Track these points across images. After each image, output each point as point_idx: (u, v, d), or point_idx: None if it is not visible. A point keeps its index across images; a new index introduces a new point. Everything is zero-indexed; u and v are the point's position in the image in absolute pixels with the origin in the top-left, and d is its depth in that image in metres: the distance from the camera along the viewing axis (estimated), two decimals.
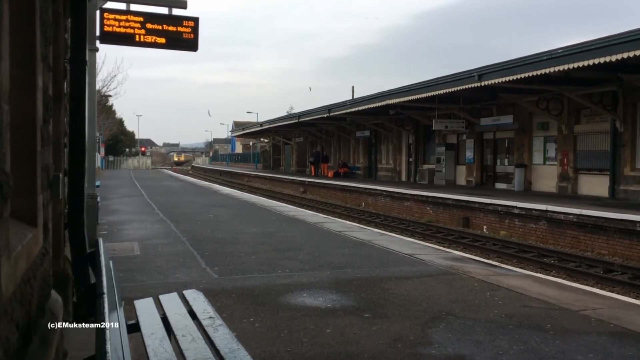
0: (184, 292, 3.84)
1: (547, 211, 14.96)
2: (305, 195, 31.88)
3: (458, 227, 17.94)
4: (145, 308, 3.55)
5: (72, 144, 4.42)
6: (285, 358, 4.54)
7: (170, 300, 3.70)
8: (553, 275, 10.26)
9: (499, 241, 15.21)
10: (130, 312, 3.64)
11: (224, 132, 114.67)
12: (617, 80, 17.32)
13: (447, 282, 7.33)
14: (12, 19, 2.20)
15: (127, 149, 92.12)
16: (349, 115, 31.51)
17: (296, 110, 59.34)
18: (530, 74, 15.98)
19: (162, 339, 2.88)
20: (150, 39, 9.56)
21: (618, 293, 9.04)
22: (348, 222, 15.47)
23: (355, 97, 42.04)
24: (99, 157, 38.79)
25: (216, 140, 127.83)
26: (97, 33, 9.43)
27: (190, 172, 73.53)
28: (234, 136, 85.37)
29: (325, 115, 31.83)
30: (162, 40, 9.63)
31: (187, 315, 3.31)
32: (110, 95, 39.93)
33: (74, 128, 4.41)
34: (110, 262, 4.00)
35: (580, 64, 14.19)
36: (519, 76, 16.55)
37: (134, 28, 9.50)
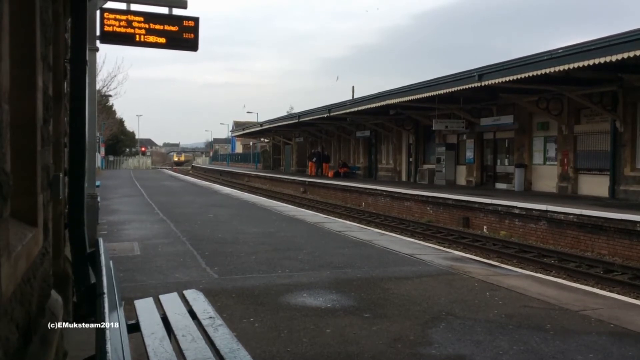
0: (184, 292, 3.84)
1: (547, 211, 14.95)
2: (306, 195, 31.87)
3: (458, 227, 17.94)
4: (145, 308, 3.55)
5: (72, 144, 4.42)
6: (285, 358, 4.54)
7: (170, 300, 3.70)
8: (553, 276, 10.26)
9: (499, 241, 15.21)
10: (130, 312, 3.64)
11: (224, 132, 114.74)
12: (617, 80, 17.31)
13: (447, 282, 7.33)
14: (12, 19, 2.20)
15: (127, 149, 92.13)
16: (349, 115, 31.50)
17: (296, 110, 59.39)
18: (531, 74, 15.98)
19: (162, 338, 2.88)
20: (150, 39, 9.56)
21: (618, 293, 9.04)
22: (348, 222, 15.47)
23: (355, 97, 42.03)
24: (99, 157, 38.78)
25: (216, 140, 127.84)
26: (97, 33, 9.42)
27: (191, 172, 73.52)
28: (234, 136, 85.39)
29: (325, 115, 31.82)
30: (163, 40, 9.62)
31: (187, 315, 3.31)
32: (110, 95, 39.95)
33: (74, 128, 4.40)
34: (110, 262, 4.00)
35: (581, 64, 14.19)
36: (519, 76, 16.55)
37: (134, 28, 9.49)
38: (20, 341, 2.13)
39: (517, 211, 16.06)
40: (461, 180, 27.09)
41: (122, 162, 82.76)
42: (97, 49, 9.85)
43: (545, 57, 15.66)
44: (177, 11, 9.82)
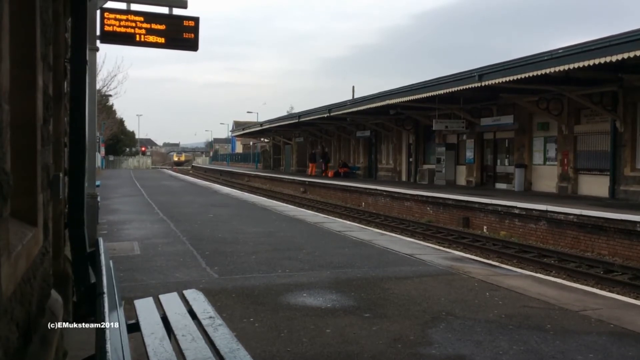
0: (184, 291, 3.84)
1: (547, 211, 14.95)
2: (306, 195, 31.87)
3: (458, 227, 17.94)
4: (145, 308, 3.55)
5: (72, 143, 4.42)
6: (285, 358, 4.54)
7: (170, 300, 3.70)
8: (553, 276, 10.26)
9: (499, 241, 15.21)
10: (130, 312, 3.64)
11: (224, 132, 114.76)
12: (617, 80, 17.31)
13: (447, 282, 7.33)
14: (12, 19, 2.20)
15: (127, 149, 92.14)
16: (349, 115, 31.50)
17: (296, 110, 59.40)
18: (531, 74, 15.98)
19: (162, 338, 2.88)
20: (150, 38, 9.56)
21: (618, 293, 9.04)
22: (348, 222, 15.47)
23: (355, 97, 42.04)
24: (99, 157, 38.79)
25: (216, 140, 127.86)
26: (98, 33, 9.42)
27: (191, 171, 73.53)
28: (234, 136, 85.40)
29: (325, 115, 31.82)
30: (163, 40, 9.62)
31: (187, 315, 3.31)
32: (110, 95, 39.93)
33: (74, 128, 4.41)
34: (110, 262, 4.00)
35: (581, 64, 14.19)
36: (519, 76, 16.55)
37: (134, 28, 9.50)
38: (20, 341, 2.13)
39: (517, 211, 16.06)
40: (461, 181, 27.09)
41: (122, 162, 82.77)
42: (97, 49, 9.85)
43: (546, 57, 15.66)
44: (177, 11, 9.82)
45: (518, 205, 16.04)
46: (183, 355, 2.59)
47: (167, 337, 2.95)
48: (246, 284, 7.08)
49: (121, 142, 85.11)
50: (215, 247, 9.87)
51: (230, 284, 7.05)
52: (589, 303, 6.40)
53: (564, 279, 10.05)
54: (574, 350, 4.76)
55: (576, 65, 14.35)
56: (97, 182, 14.29)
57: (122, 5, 9.72)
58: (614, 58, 13.18)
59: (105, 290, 2.96)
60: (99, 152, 41.01)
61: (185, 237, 11.03)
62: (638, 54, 12.59)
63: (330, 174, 38.47)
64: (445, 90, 20.49)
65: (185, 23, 9.72)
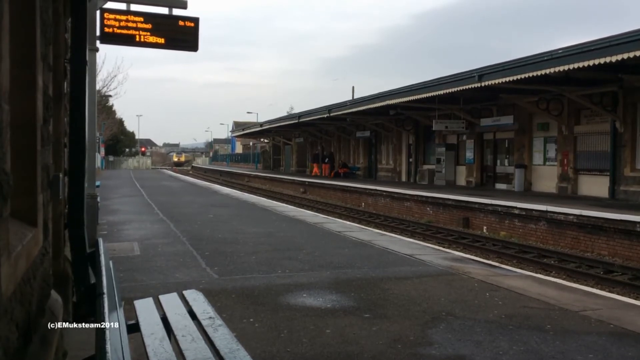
0: (184, 292, 3.84)
1: (547, 212, 14.95)
2: (306, 196, 31.87)
3: (458, 228, 17.94)
4: (145, 308, 3.55)
5: (72, 144, 4.42)
6: (285, 358, 4.54)
7: (170, 301, 3.70)
8: (553, 276, 10.26)
9: (498, 241, 15.21)
10: (130, 312, 3.64)
11: (224, 132, 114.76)
12: (617, 80, 17.32)
13: (447, 283, 7.33)
14: (12, 19, 2.20)
15: (127, 149, 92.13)
16: (349, 116, 31.51)
17: (296, 110, 59.41)
18: (531, 74, 15.99)
19: (162, 339, 2.88)
20: (150, 39, 9.56)
21: (618, 294, 9.04)
22: (348, 223, 15.47)
23: (355, 97, 42.05)
24: (99, 157, 38.78)
25: (216, 141, 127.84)
26: (97, 33, 9.42)
27: (190, 172, 73.53)
28: (234, 136, 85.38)
29: (325, 116, 31.83)
30: (162, 40, 9.62)
31: (187, 315, 3.31)
32: (110, 95, 39.91)
33: (74, 128, 4.40)
34: (110, 262, 4.00)
35: (581, 64, 14.20)
36: (519, 76, 16.55)
37: (134, 28, 9.50)
38: (20, 341, 2.13)
39: (517, 211, 16.06)
40: (461, 181, 27.10)
41: (122, 162, 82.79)
42: (97, 49, 9.85)
43: (546, 58, 15.66)
44: (177, 11, 9.82)
45: (518, 206, 16.04)
46: (183, 355, 2.59)
47: (167, 338, 2.95)
48: (246, 284, 7.08)
49: (121, 142, 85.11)
50: (215, 247, 9.87)
51: (230, 285, 7.05)
52: (588, 303, 6.40)
53: (563, 279, 10.05)
54: (574, 351, 4.76)
55: (576, 65, 14.35)
56: (97, 183, 14.30)
57: (122, 6, 9.72)
58: (613, 58, 13.19)
59: (105, 290, 2.96)
60: (99, 152, 40.99)
61: (185, 237, 11.03)
62: (638, 54, 12.59)
63: (330, 174, 38.49)
64: (445, 91, 20.49)
65: (185, 23, 9.72)
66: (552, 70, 15.24)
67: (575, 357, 4.63)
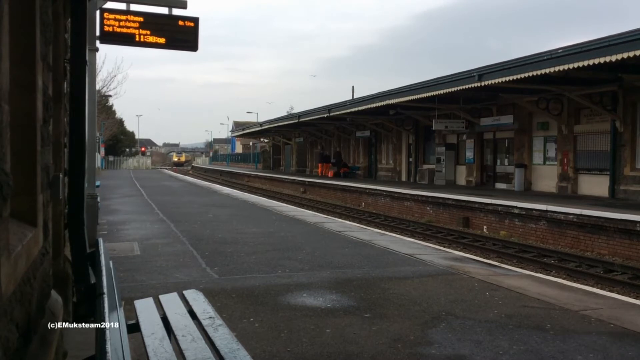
0: (184, 292, 3.84)
1: (547, 211, 14.95)
2: (306, 196, 31.87)
3: (458, 227, 17.94)
4: (145, 308, 3.55)
5: (72, 144, 4.42)
6: (285, 358, 4.54)
7: (170, 300, 3.70)
8: (553, 275, 10.26)
9: (499, 241, 15.21)
10: (130, 312, 3.65)
11: (224, 132, 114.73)
12: (617, 80, 17.31)
13: (447, 282, 7.33)
14: (12, 19, 2.20)
15: (127, 149, 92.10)
16: (349, 115, 31.50)
17: (296, 110, 59.37)
18: (531, 74, 15.98)
19: (162, 339, 2.88)
20: (150, 39, 9.55)
21: (618, 293, 9.04)
22: (348, 222, 15.46)
23: (355, 97, 42.03)
24: (99, 157, 38.77)
25: (216, 141, 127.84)
26: (97, 33, 9.42)
27: (190, 172, 73.52)
28: (234, 136, 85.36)
29: (325, 115, 31.82)
30: (162, 40, 9.61)
31: (187, 315, 3.31)
32: (110, 95, 39.86)
33: (74, 128, 4.41)
34: (110, 262, 4.00)
35: (580, 64, 14.19)
36: (519, 76, 16.55)
37: (134, 28, 9.49)
38: (20, 341, 2.13)
39: (517, 211, 16.06)
40: (461, 180, 27.09)
41: (121, 162, 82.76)
42: (97, 49, 9.85)
43: (545, 57, 15.66)
44: (177, 11, 9.81)
45: (518, 205, 16.04)
46: (183, 355, 2.59)
47: (167, 338, 2.95)
48: (246, 284, 7.08)
49: (121, 142, 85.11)
50: (215, 247, 9.87)
51: (230, 284, 7.05)
52: (589, 303, 6.40)
53: (564, 278, 10.06)
54: (574, 350, 4.76)
55: (576, 65, 14.35)
56: (97, 183, 14.29)
57: (122, 6, 9.72)
58: (613, 58, 13.18)
59: (105, 290, 2.96)
60: (99, 152, 41.01)
61: (185, 237, 11.03)
62: (638, 54, 12.59)
63: (330, 174, 38.47)
64: (445, 90, 20.49)
65: (185, 23, 9.71)
66: (551, 70, 15.24)
67: (575, 356, 4.63)
